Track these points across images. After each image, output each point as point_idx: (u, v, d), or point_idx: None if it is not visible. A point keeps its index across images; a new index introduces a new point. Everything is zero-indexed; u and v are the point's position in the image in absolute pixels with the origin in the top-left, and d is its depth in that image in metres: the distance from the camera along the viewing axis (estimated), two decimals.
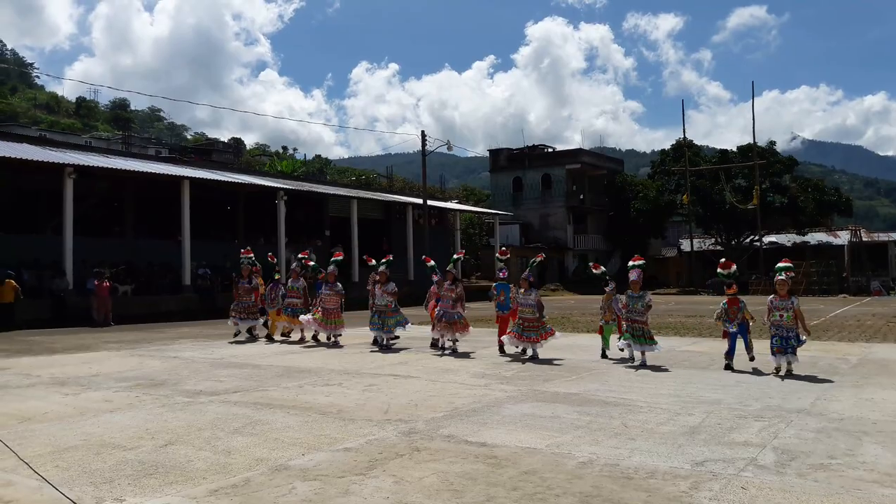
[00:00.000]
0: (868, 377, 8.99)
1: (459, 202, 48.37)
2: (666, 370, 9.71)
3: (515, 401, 7.48)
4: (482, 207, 49.67)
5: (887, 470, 4.77)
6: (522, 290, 11.31)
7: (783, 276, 9.33)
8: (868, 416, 6.52)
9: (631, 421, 6.36)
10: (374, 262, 13.61)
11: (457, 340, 12.15)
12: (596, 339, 12.18)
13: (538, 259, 12.64)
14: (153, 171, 24.61)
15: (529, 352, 11.16)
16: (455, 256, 14.01)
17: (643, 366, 10.00)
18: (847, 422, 6.29)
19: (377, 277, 13.25)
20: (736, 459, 5.01)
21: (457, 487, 4.43)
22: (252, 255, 14.94)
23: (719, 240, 52.29)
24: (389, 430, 6.08)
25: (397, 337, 13.46)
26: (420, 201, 35.54)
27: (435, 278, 13.13)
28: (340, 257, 14.55)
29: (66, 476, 4.71)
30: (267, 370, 10.10)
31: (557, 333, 11.59)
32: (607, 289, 11.44)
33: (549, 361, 10.67)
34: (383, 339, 13.02)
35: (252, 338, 14.54)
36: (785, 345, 9.02)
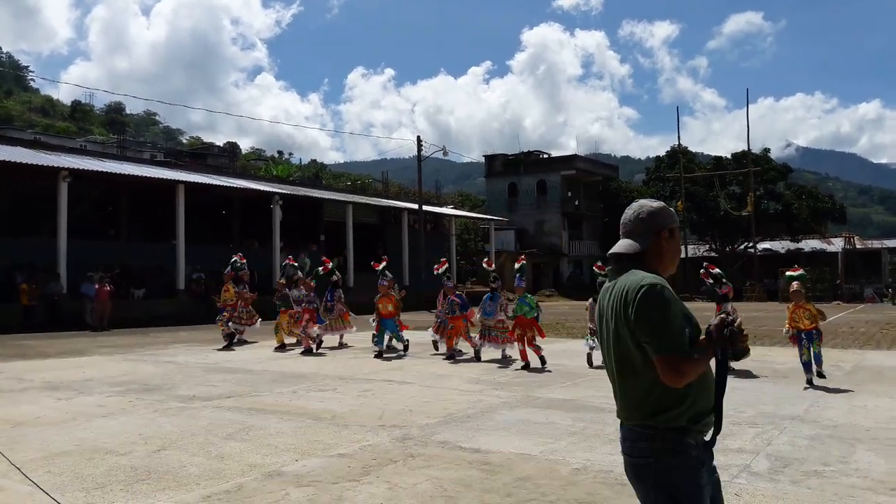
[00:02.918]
0: (861, 384, 9.02)
1: (455, 207, 48.36)
2: None
3: (510, 407, 7.47)
4: (477, 213, 49.65)
5: (881, 477, 4.77)
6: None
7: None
8: (861, 423, 6.54)
9: None
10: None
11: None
12: None
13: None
14: (148, 175, 24.53)
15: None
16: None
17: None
18: (840, 429, 6.31)
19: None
20: (730, 466, 5.01)
21: (451, 494, 4.42)
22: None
23: (714, 246, 52.40)
24: (383, 435, 6.06)
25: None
26: (415, 206, 35.52)
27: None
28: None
29: (57, 482, 4.68)
30: (261, 375, 10.07)
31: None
32: None
33: (543, 367, 10.65)
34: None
35: None
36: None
